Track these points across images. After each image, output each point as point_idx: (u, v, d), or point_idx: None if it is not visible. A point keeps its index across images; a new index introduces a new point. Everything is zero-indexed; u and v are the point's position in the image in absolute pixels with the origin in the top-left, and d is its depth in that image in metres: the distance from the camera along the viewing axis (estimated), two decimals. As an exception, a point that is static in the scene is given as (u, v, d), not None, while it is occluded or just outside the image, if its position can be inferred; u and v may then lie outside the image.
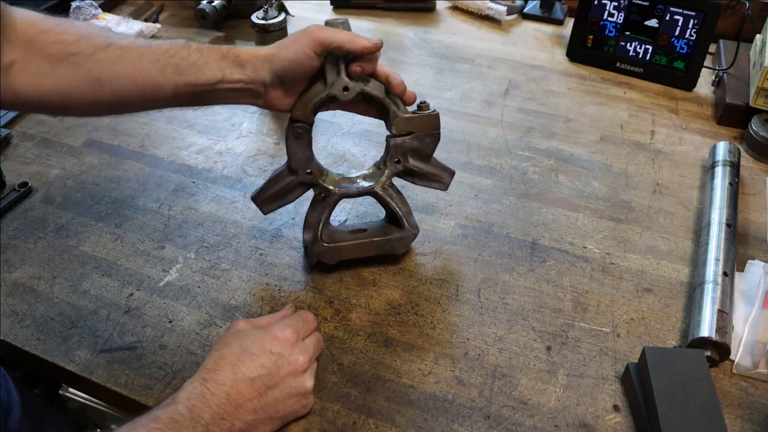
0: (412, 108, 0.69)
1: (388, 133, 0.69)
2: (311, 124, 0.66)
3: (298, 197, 0.71)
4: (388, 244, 0.72)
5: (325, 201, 0.69)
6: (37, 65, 0.58)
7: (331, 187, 0.69)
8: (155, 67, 0.60)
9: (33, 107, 0.61)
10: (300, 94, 0.65)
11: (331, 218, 0.73)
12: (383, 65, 0.66)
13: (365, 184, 0.70)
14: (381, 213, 0.77)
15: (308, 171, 0.68)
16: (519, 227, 0.79)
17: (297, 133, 0.66)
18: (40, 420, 0.64)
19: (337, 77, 0.63)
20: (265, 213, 0.71)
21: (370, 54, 0.63)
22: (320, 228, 0.69)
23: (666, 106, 1.01)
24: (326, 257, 0.71)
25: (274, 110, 0.66)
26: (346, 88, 0.64)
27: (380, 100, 0.66)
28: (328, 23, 0.66)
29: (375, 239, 0.71)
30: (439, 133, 0.69)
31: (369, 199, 0.78)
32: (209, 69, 0.60)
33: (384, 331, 0.67)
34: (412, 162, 0.70)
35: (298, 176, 0.68)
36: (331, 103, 0.66)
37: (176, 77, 0.60)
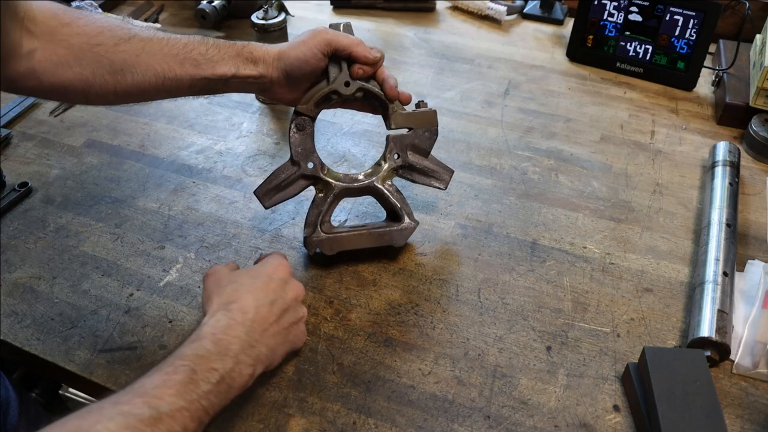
0: (410, 107, 0.71)
1: (388, 131, 0.71)
2: (314, 117, 0.70)
3: (299, 191, 0.71)
4: (388, 236, 0.72)
5: (325, 197, 0.70)
6: (61, 55, 0.61)
7: (332, 181, 0.70)
8: (175, 61, 0.63)
9: (57, 95, 0.65)
10: (304, 91, 0.68)
11: (332, 219, 0.73)
12: (385, 69, 0.69)
13: (365, 180, 0.71)
14: (381, 214, 0.77)
15: (310, 164, 0.70)
16: (519, 227, 0.79)
17: (300, 124, 0.69)
18: (36, 419, 0.64)
19: (339, 73, 0.67)
20: (266, 207, 0.71)
21: (370, 64, 0.67)
22: (320, 220, 0.70)
23: (666, 106, 1.01)
24: (325, 247, 0.71)
25: (277, 102, 0.69)
26: (347, 83, 0.68)
27: (380, 97, 0.69)
28: (331, 26, 0.70)
29: (374, 230, 0.72)
30: (437, 129, 0.72)
31: (369, 199, 0.78)
32: (225, 65, 0.64)
33: (384, 331, 0.67)
34: (411, 157, 0.71)
35: (299, 168, 0.70)
36: (333, 97, 0.69)
37: (194, 71, 0.64)
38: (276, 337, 0.56)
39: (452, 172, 0.75)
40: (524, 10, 1.24)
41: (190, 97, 0.69)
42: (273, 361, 0.57)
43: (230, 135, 0.94)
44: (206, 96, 0.73)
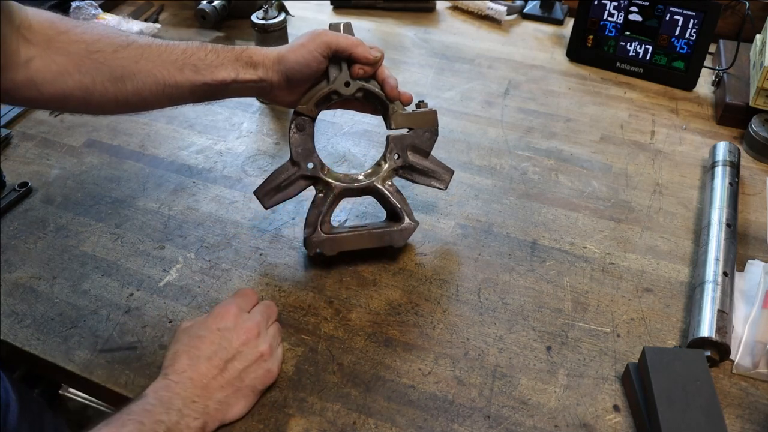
0: (411, 108, 0.71)
1: (388, 131, 0.71)
2: (314, 117, 0.69)
3: (299, 192, 0.71)
4: (388, 236, 0.72)
5: (325, 197, 0.70)
6: (60, 63, 0.60)
7: (332, 181, 0.70)
8: (174, 67, 0.63)
9: (56, 104, 0.64)
10: (304, 93, 0.68)
11: (332, 219, 0.73)
12: (385, 68, 0.69)
13: (365, 180, 0.71)
14: (381, 214, 0.77)
15: (310, 164, 0.70)
16: (519, 227, 0.79)
17: (300, 125, 0.69)
18: (38, 418, 0.64)
19: (339, 74, 0.67)
20: (266, 207, 0.71)
21: (370, 64, 0.67)
22: (320, 220, 0.70)
23: (666, 106, 1.01)
24: (325, 248, 0.71)
25: (276, 104, 0.68)
26: (347, 84, 0.67)
27: (380, 97, 0.69)
28: (331, 26, 0.69)
29: (374, 230, 0.72)
30: (437, 129, 0.72)
31: (369, 199, 0.78)
32: (224, 70, 0.64)
33: (384, 331, 0.67)
34: (411, 157, 0.71)
35: (299, 169, 0.70)
36: (333, 98, 0.69)
37: (193, 77, 0.63)
38: (224, 389, 0.56)
39: (452, 172, 0.75)
40: (524, 10, 1.24)
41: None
42: (228, 412, 0.57)
43: (230, 135, 0.94)
44: (204, 104, 0.72)
